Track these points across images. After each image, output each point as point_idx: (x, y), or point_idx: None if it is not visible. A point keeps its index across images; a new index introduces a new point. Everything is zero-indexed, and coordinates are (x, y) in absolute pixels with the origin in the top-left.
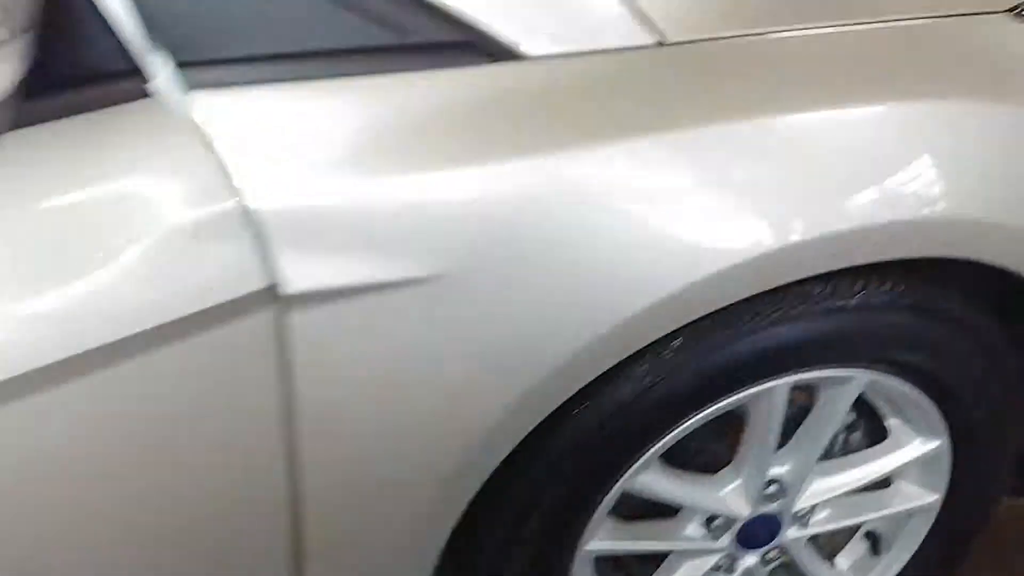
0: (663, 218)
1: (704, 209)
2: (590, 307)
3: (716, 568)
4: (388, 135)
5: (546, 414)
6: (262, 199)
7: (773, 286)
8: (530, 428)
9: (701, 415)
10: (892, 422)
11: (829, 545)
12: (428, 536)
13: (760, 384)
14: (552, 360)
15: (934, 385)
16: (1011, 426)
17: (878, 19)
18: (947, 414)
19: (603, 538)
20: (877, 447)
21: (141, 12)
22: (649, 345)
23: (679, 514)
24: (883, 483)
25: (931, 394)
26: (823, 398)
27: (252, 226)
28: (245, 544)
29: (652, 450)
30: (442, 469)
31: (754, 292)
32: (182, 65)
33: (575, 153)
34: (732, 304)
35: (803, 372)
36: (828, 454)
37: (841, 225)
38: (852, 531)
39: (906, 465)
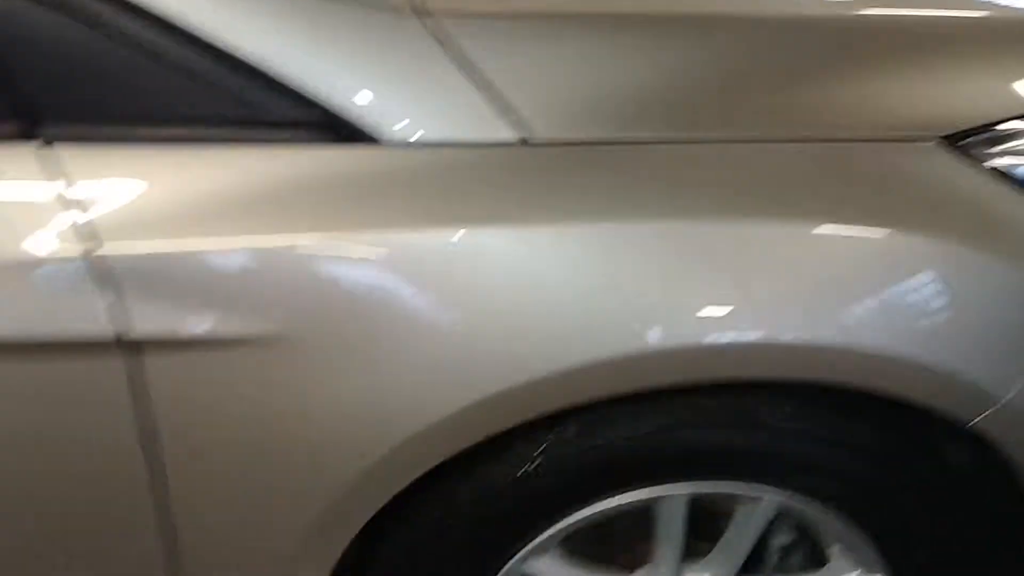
0: (507, 307)
1: (556, 303)
2: (433, 388)
3: None
4: (236, 200)
5: (405, 483)
6: (113, 248)
7: (633, 389)
8: (393, 492)
9: (592, 509)
10: (833, 549)
11: None
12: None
13: (653, 488)
14: (398, 432)
15: (860, 518)
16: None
17: (772, 137)
18: (883, 552)
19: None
20: (813, 574)
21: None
22: (531, 431)
23: None
24: None
25: (861, 527)
26: (738, 513)
27: (101, 273)
28: (122, 557)
29: (542, 536)
30: (305, 520)
31: (615, 392)
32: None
33: (414, 234)
34: (617, 403)
35: (700, 482)
36: (759, 572)
37: (691, 339)
38: None
39: None
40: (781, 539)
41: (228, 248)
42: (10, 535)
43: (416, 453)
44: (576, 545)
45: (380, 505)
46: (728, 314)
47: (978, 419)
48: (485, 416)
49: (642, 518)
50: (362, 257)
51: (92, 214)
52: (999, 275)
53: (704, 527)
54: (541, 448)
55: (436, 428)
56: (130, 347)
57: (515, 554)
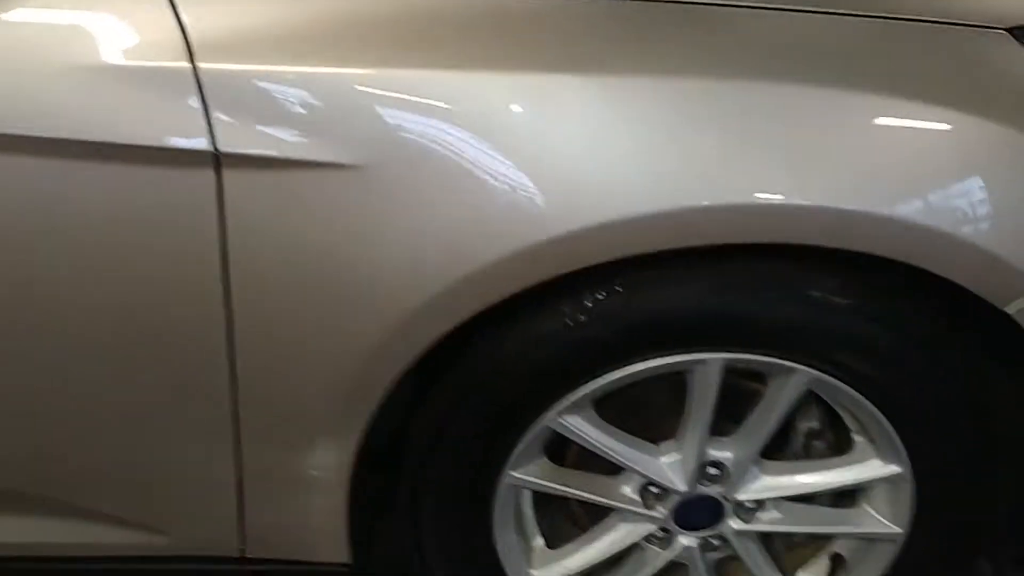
0: (568, 155)
1: (614, 154)
2: (495, 228)
3: (653, 539)
4: (333, 29)
5: (464, 317)
6: (212, 63)
7: (685, 245)
8: (445, 329)
9: (630, 369)
10: (858, 438)
11: (793, 559)
12: (352, 411)
13: (691, 354)
14: (467, 264)
15: (888, 402)
16: (1004, 477)
17: None
18: (906, 440)
19: (532, 473)
20: (834, 459)
21: None
22: (579, 286)
23: (620, 475)
24: (849, 502)
25: (886, 412)
26: (769, 388)
27: (200, 85)
28: (188, 380)
29: (577, 393)
30: (362, 348)
31: (668, 246)
32: None
33: (488, 76)
34: (668, 263)
35: (736, 352)
36: (783, 454)
37: (744, 197)
38: (819, 549)
39: (870, 487)
40: (808, 423)
41: (319, 74)
42: (85, 325)
43: (475, 291)
44: (606, 413)
45: (432, 341)
46: (783, 175)
47: (1017, 302)
48: (542, 260)
49: (673, 391)
50: (441, 95)
51: (199, 29)
52: None
53: (732, 409)
54: (591, 302)
55: (495, 267)
56: (219, 160)
57: (550, 408)
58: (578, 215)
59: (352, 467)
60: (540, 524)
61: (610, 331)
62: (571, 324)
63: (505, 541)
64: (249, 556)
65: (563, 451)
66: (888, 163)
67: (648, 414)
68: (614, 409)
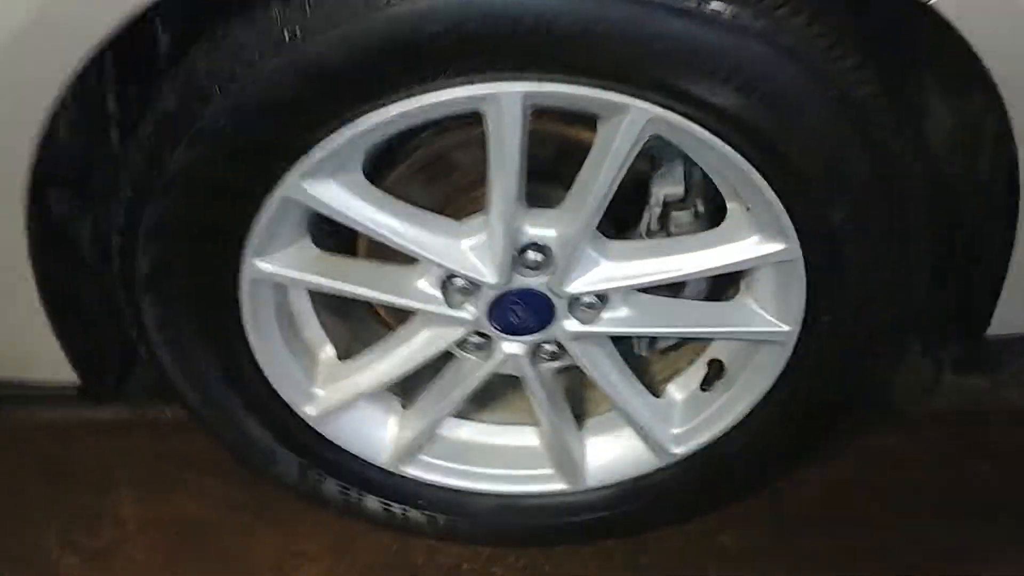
0: None
1: None
2: None
3: (469, 347)
4: None
5: None
6: None
7: None
8: None
9: (386, 114)
10: (731, 206)
11: (662, 368)
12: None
13: (468, 84)
14: None
15: (762, 153)
16: (918, 255)
17: None
18: (790, 207)
19: (287, 264)
20: (698, 235)
21: None
22: None
23: (415, 264)
24: (725, 295)
25: (760, 166)
26: (597, 136)
27: None
28: None
29: (322, 148)
30: None
31: None
32: None
33: None
34: None
35: (535, 79)
36: (628, 233)
37: None
38: (694, 355)
39: (750, 274)
40: (667, 189)
41: None
42: None
43: None
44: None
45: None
46: None
47: None
48: None
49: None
50: None
51: None
52: None
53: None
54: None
55: None
56: None
57: (287, 169)
58: None
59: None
60: (336, 330)
61: (343, 52)
62: (291, 37)
63: (269, 353)
64: None
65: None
66: None
67: (455, 183)
68: (411, 182)
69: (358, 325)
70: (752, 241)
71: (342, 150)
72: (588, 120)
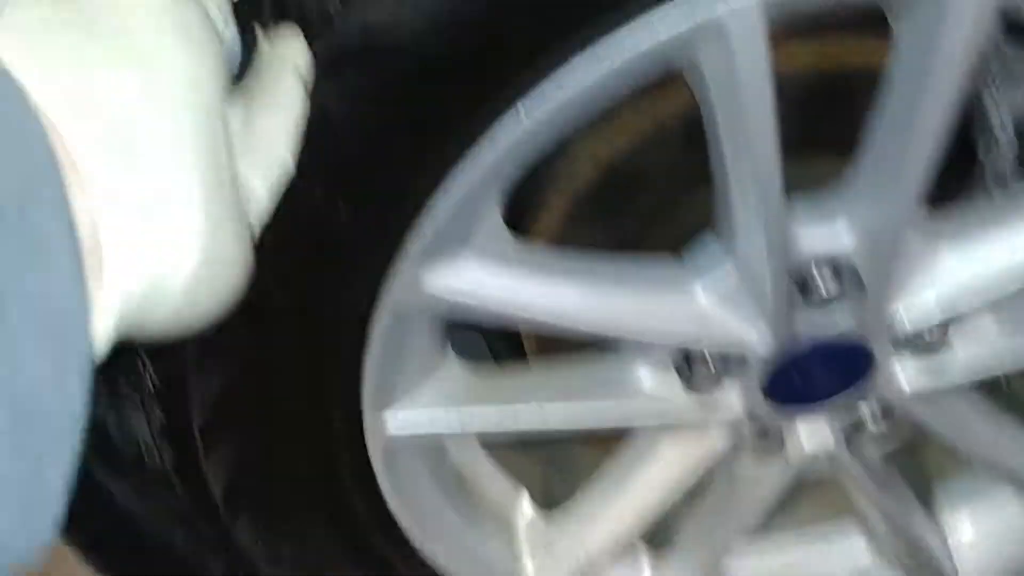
0: None
1: None
2: None
3: (748, 447)
4: None
5: None
6: None
7: None
8: None
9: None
10: None
11: None
12: None
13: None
14: None
15: None
16: None
17: None
18: None
19: (422, 404)
20: None
21: None
22: None
23: (622, 352)
24: None
25: None
26: (899, 38)
27: None
28: None
29: (427, 214)
30: None
31: None
32: None
33: None
34: None
35: None
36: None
37: None
38: None
39: None
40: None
41: None
42: None
43: None
44: None
45: None
46: None
47: None
48: None
49: None
50: None
51: None
52: None
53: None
54: None
55: None
56: None
57: None
58: None
59: None
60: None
61: None
62: None
63: (447, 546)
64: None
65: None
66: None
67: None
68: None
69: (551, 450)
70: None
71: (474, 194)
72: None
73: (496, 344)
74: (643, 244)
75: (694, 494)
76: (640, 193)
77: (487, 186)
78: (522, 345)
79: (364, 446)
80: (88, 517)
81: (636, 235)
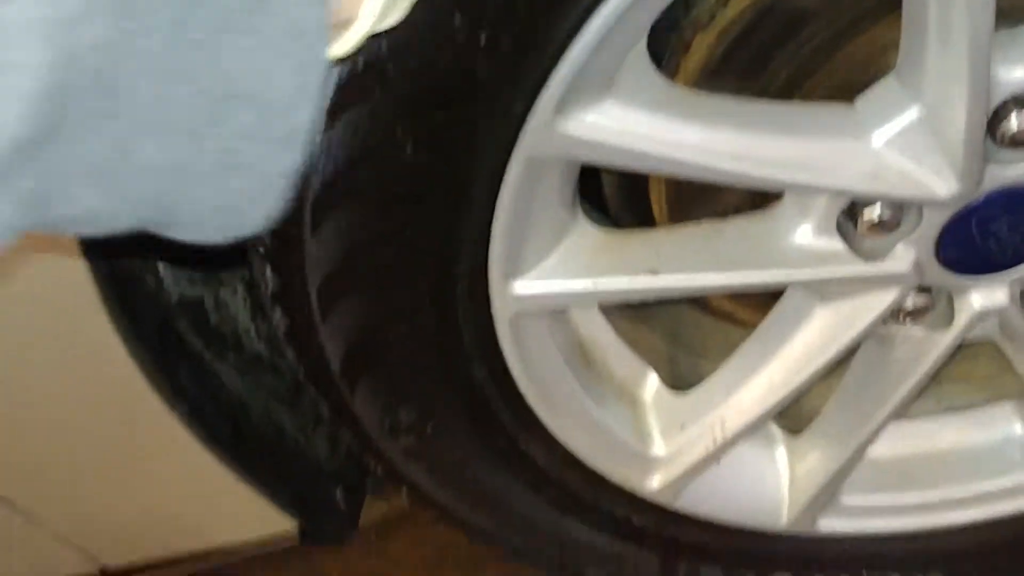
0: None
1: None
2: None
3: (905, 316)
4: None
5: None
6: None
7: None
8: None
9: None
10: None
11: None
12: None
13: None
14: None
15: None
16: None
17: None
18: None
19: (554, 273)
20: None
21: None
22: None
23: (776, 207)
24: None
25: None
26: None
27: None
28: None
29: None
30: None
31: None
32: None
33: None
34: None
35: None
36: None
37: None
38: None
39: None
40: None
41: None
42: None
43: None
44: None
45: None
46: None
47: None
48: None
49: None
50: None
51: None
52: None
53: None
54: None
55: None
56: None
57: None
58: None
59: None
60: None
61: None
62: None
63: (571, 422)
64: None
65: None
66: None
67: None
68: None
69: (675, 326)
70: None
71: (617, 33)
72: None
73: (619, 213)
74: (798, 94)
75: (836, 373)
76: (797, 36)
77: (631, 24)
78: (648, 211)
79: (490, 313)
80: (201, 399)
81: (790, 84)
